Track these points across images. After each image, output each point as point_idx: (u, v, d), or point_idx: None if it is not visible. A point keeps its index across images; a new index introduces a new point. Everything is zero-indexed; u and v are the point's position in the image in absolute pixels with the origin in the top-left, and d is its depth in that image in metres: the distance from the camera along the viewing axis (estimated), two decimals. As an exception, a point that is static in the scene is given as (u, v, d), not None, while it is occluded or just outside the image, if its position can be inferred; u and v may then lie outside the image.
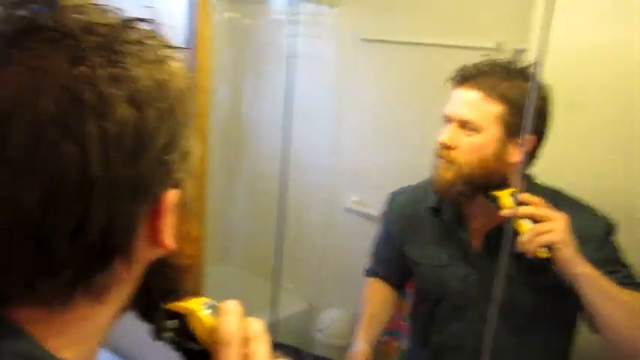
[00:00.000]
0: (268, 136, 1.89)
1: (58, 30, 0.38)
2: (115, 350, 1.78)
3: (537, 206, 0.91)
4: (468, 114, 0.98)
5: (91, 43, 0.38)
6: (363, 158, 1.62)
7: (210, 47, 1.35)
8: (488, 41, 1.16)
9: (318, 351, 1.59)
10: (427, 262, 1.12)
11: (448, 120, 1.02)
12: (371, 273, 1.27)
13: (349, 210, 1.64)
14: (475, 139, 0.98)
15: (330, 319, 1.63)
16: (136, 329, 0.54)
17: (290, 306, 1.82)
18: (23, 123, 0.35)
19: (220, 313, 0.48)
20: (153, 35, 0.43)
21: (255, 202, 2.02)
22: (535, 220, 0.90)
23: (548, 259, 0.88)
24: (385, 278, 1.24)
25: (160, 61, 0.41)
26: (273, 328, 1.31)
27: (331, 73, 1.66)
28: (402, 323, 1.37)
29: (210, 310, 0.49)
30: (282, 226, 1.34)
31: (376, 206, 1.51)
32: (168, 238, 0.45)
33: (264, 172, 1.94)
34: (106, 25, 0.39)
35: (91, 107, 0.36)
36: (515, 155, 0.97)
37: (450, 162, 1.00)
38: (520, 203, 0.91)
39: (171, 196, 0.43)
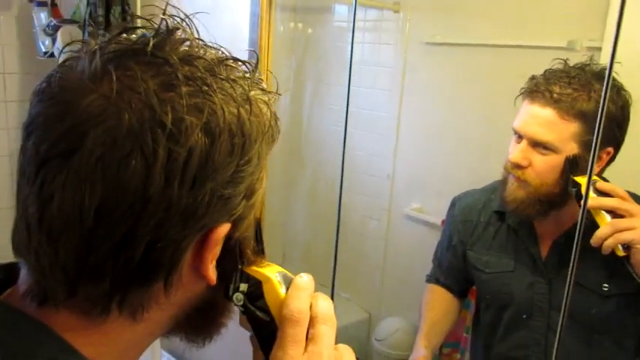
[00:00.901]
0: (329, 143, 1.89)
1: (157, 56, 0.40)
2: (170, 350, 1.82)
3: (622, 199, 0.85)
4: (542, 134, 0.92)
5: (185, 73, 0.40)
6: (425, 165, 1.59)
7: (271, 58, 1.38)
8: (558, 40, 1.10)
9: (376, 361, 1.56)
10: (491, 268, 1.08)
11: (519, 137, 0.96)
12: (432, 279, 1.24)
13: (409, 217, 1.60)
14: (550, 158, 0.92)
15: (389, 329, 1.59)
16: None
17: (349, 315, 1.79)
18: (102, 130, 0.37)
19: (293, 287, 0.47)
20: (246, 76, 0.45)
21: (315, 208, 2.02)
22: (616, 214, 0.84)
23: (624, 258, 0.83)
24: (447, 285, 1.21)
25: (247, 101, 0.43)
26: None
27: (394, 78, 1.64)
28: (464, 335, 1.33)
29: (283, 281, 0.48)
30: (340, 233, 1.32)
31: (437, 214, 1.47)
32: (212, 271, 0.45)
33: (324, 179, 1.94)
34: (203, 59, 0.42)
35: (168, 130, 0.38)
36: (594, 168, 0.91)
37: (523, 181, 0.95)
38: (602, 194, 0.85)
39: (224, 229, 0.43)
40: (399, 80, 1.61)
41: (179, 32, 0.43)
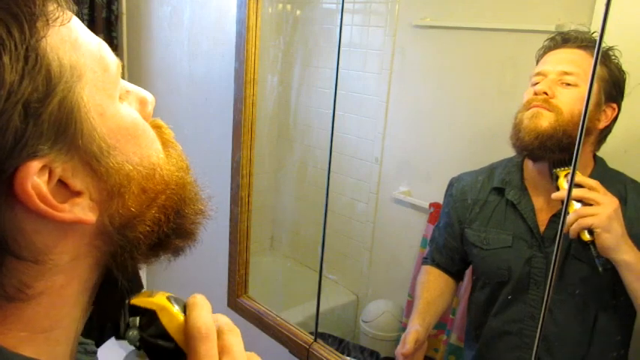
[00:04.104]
0: (317, 126, 1.89)
1: None
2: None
3: (592, 189, 0.90)
4: (572, 68, 0.97)
5: None
6: (413, 148, 1.59)
7: (259, 38, 1.36)
8: (547, 24, 1.10)
9: (363, 342, 1.57)
10: (490, 244, 1.10)
11: (543, 75, 1.00)
12: (429, 260, 1.25)
13: (397, 200, 1.61)
14: (574, 91, 0.96)
15: (376, 311, 1.61)
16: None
17: (336, 297, 1.81)
18: None
19: (193, 306, 0.45)
20: None
21: (304, 191, 2.02)
22: (585, 203, 0.90)
23: (590, 243, 0.89)
24: (443, 266, 1.22)
25: None
26: (318, 317, 1.31)
27: (383, 61, 1.64)
28: (451, 317, 1.34)
29: (177, 306, 0.46)
30: (327, 216, 1.33)
31: (424, 197, 1.48)
32: (80, 210, 0.38)
33: (312, 162, 1.94)
34: None
35: None
36: (603, 122, 0.96)
37: (549, 109, 0.97)
38: (577, 185, 0.91)
39: (32, 168, 0.35)
40: (388, 63, 1.61)
41: None
